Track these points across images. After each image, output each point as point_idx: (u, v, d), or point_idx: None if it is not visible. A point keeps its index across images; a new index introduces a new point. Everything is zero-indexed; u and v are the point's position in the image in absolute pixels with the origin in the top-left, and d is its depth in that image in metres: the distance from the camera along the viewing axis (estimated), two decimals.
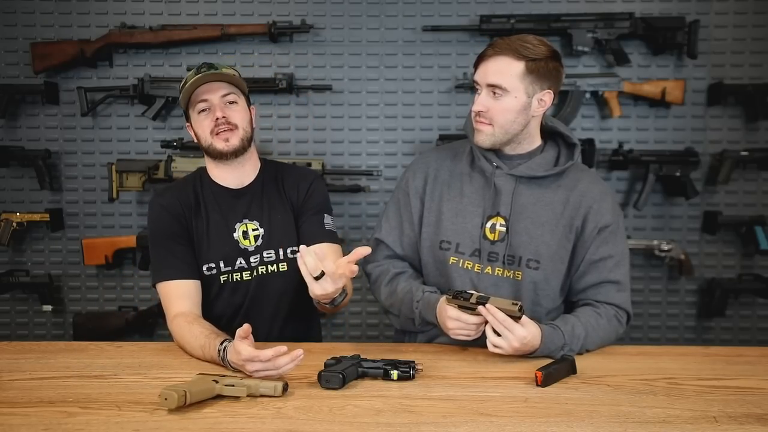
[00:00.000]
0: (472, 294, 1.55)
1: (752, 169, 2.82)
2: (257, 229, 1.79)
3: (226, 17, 2.81)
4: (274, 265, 1.80)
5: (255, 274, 1.79)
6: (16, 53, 2.83)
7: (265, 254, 1.79)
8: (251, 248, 1.78)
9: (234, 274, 1.78)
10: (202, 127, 1.74)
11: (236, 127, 1.74)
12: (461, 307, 1.56)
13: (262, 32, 2.76)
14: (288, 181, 1.85)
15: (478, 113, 1.66)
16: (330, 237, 1.83)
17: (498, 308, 1.50)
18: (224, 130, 1.72)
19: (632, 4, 2.78)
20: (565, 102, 2.73)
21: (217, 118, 1.71)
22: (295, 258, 1.73)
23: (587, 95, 2.75)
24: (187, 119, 1.81)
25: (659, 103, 2.76)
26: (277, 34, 2.76)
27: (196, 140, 1.80)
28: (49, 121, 2.86)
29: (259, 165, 1.86)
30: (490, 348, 1.53)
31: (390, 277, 1.81)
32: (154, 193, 1.84)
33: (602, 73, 2.76)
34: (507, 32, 1.77)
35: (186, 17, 2.81)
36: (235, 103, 1.75)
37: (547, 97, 1.67)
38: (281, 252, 1.80)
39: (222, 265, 1.77)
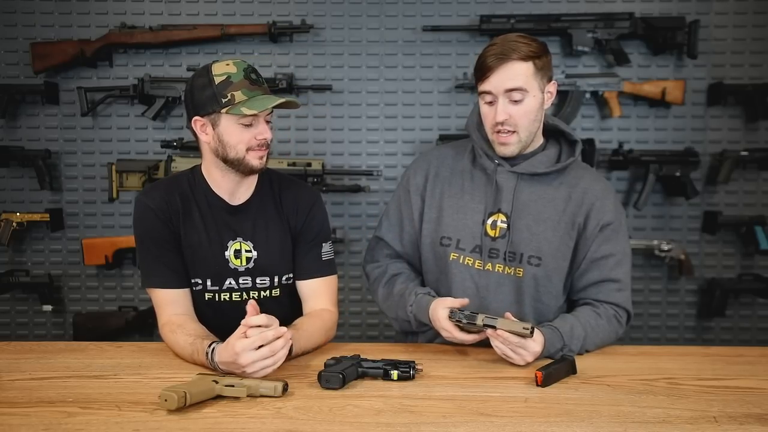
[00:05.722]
0: (477, 315, 1.51)
1: (752, 169, 2.82)
2: (250, 251, 1.70)
3: (226, 17, 2.81)
4: (267, 291, 1.73)
5: (243, 297, 1.71)
6: (16, 53, 2.83)
7: (258, 280, 1.72)
8: (241, 268, 1.70)
9: (222, 294, 1.70)
10: (236, 138, 1.60)
11: (269, 146, 1.67)
12: (468, 324, 1.53)
13: (262, 32, 2.76)
14: (286, 200, 1.75)
15: (502, 123, 1.62)
16: (325, 269, 1.76)
17: (509, 331, 1.48)
18: (263, 150, 1.64)
19: (632, 4, 2.78)
20: (565, 102, 2.73)
21: (264, 139, 1.62)
22: (289, 284, 1.75)
23: (587, 95, 2.75)
24: (201, 115, 1.61)
25: (659, 103, 2.77)
26: (277, 34, 2.76)
27: (205, 140, 1.63)
28: (49, 121, 2.86)
29: (257, 177, 1.75)
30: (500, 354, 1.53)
31: (387, 279, 1.81)
32: (141, 190, 1.74)
33: (602, 73, 2.76)
34: (507, 32, 1.76)
35: (186, 17, 2.81)
36: (270, 122, 1.66)
37: (553, 87, 1.69)
38: (276, 279, 1.73)
39: (209, 283, 1.69)
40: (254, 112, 1.57)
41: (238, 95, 1.57)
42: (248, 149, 1.61)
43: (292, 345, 1.50)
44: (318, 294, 1.75)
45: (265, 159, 1.65)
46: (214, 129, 1.61)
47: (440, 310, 1.59)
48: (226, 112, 1.57)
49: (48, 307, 2.85)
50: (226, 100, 1.57)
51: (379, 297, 1.82)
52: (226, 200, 1.71)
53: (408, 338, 1.86)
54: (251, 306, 1.44)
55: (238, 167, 1.64)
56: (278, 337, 1.39)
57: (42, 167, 2.78)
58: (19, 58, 2.83)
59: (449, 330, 1.57)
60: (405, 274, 1.82)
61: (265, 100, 1.59)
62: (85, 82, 2.82)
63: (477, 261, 1.71)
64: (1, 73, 2.83)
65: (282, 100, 1.61)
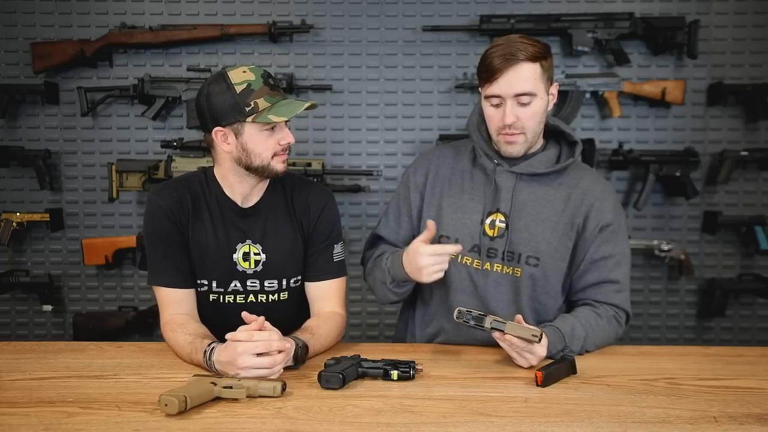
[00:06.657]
0: (485, 317, 1.48)
1: (752, 169, 2.82)
2: (259, 254, 1.69)
3: (226, 17, 2.81)
4: (275, 295, 1.72)
5: (249, 299, 1.71)
6: (16, 53, 2.83)
7: (267, 283, 1.71)
8: (249, 271, 1.69)
9: (226, 296, 1.70)
10: (262, 146, 1.60)
11: (290, 149, 1.68)
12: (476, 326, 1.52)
13: (262, 32, 2.76)
14: (298, 200, 1.75)
15: (510, 126, 1.62)
16: (336, 271, 1.76)
17: (517, 336, 1.47)
18: (285, 153, 1.66)
19: (632, 4, 2.78)
20: (565, 102, 2.73)
21: (287, 143, 1.63)
22: (297, 286, 1.75)
23: (587, 95, 2.75)
24: (223, 125, 1.59)
25: (659, 103, 2.77)
26: (277, 34, 2.76)
27: (227, 149, 1.61)
28: (49, 121, 2.86)
29: (268, 179, 1.73)
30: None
31: (376, 256, 1.81)
32: (153, 189, 1.74)
33: (602, 73, 2.76)
34: (507, 32, 1.76)
35: (186, 17, 2.81)
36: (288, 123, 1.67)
37: (555, 89, 1.69)
38: (284, 282, 1.73)
39: (215, 285, 1.69)
40: (284, 119, 1.58)
41: (261, 102, 1.57)
42: (274, 155, 1.62)
43: (307, 350, 1.52)
44: (328, 296, 1.75)
45: (287, 162, 1.67)
46: (237, 138, 1.60)
47: (415, 243, 1.59)
48: (252, 120, 1.57)
49: (48, 307, 2.85)
50: (250, 108, 1.57)
51: (368, 275, 1.83)
52: (238, 203, 1.70)
53: (408, 337, 1.86)
54: (252, 317, 1.44)
55: (263, 173, 1.64)
56: (281, 351, 1.40)
57: (42, 167, 2.78)
58: (19, 58, 2.83)
59: (433, 251, 1.55)
60: (392, 250, 1.78)
61: (290, 105, 1.60)
62: (85, 82, 2.82)
63: (475, 260, 1.71)
64: (1, 73, 2.83)
65: (307, 103, 1.62)
